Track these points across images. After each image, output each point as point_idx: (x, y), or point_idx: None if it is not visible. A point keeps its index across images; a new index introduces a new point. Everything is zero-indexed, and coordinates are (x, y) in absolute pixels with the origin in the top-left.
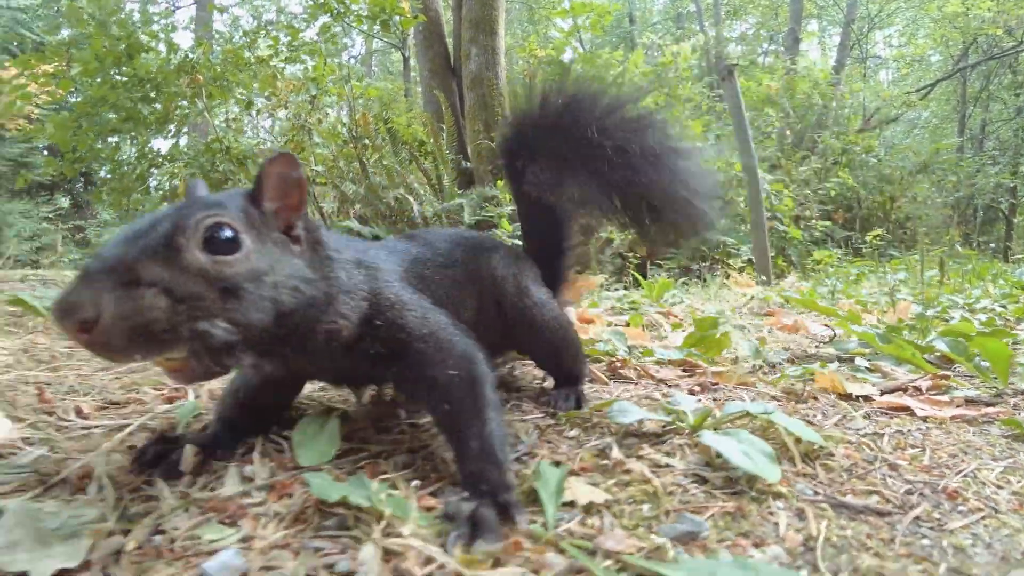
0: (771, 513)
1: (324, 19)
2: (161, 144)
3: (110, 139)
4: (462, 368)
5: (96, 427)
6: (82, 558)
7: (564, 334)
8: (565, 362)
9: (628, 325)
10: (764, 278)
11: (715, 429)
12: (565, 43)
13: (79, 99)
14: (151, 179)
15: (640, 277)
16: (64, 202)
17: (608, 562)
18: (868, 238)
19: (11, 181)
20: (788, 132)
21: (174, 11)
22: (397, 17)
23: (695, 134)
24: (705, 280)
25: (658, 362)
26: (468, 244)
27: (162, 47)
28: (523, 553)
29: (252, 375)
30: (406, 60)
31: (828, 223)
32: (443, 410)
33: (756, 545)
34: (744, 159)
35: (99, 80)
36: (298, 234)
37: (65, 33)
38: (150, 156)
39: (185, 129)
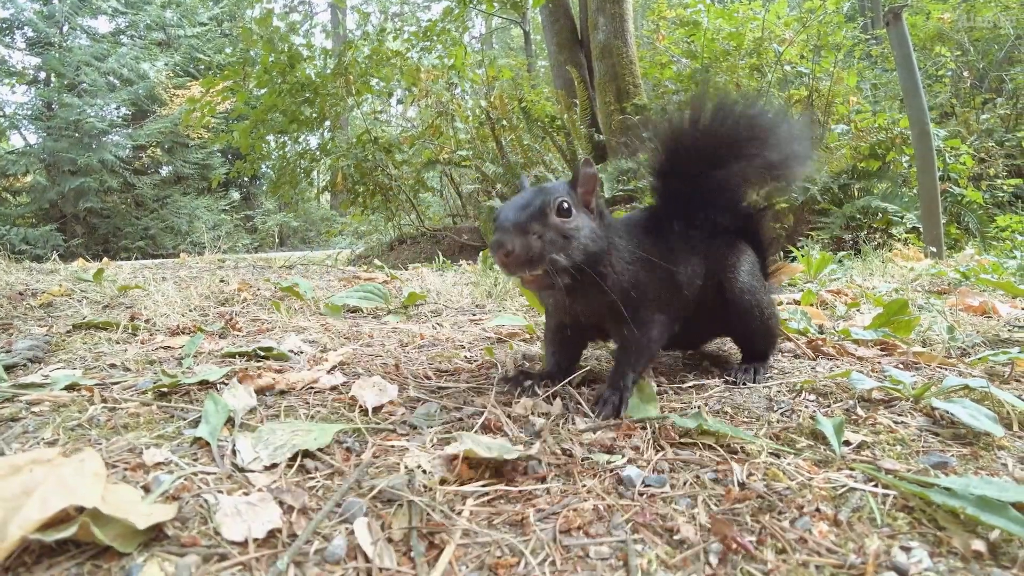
0: (998, 457)
1: (446, 3)
2: (312, 141)
3: (271, 139)
4: (643, 335)
5: (456, 388)
6: (536, 450)
7: (764, 319)
8: (758, 344)
9: (799, 303)
10: (934, 250)
11: (942, 399)
12: (696, 1)
13: (255, 107)
14: (313, 171)
15: (795, 250)
16: (236, 196)
17: (889, 477)
18: None
19: (198, 181)
20: (966, 73)
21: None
22: None
23: (848, 86)
24: (860, 252)
25: (856, 341)
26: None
27: (318, 55)
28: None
29: (555, 316)
30: (527, 35)
31: (1018, 181)
32: (619, 351)
33: (991, 475)
34: (912, 113)
35: (266, 90)
36: (593, 208)
37: (228, 50)
38: (310, 152)
39: (336, 125)
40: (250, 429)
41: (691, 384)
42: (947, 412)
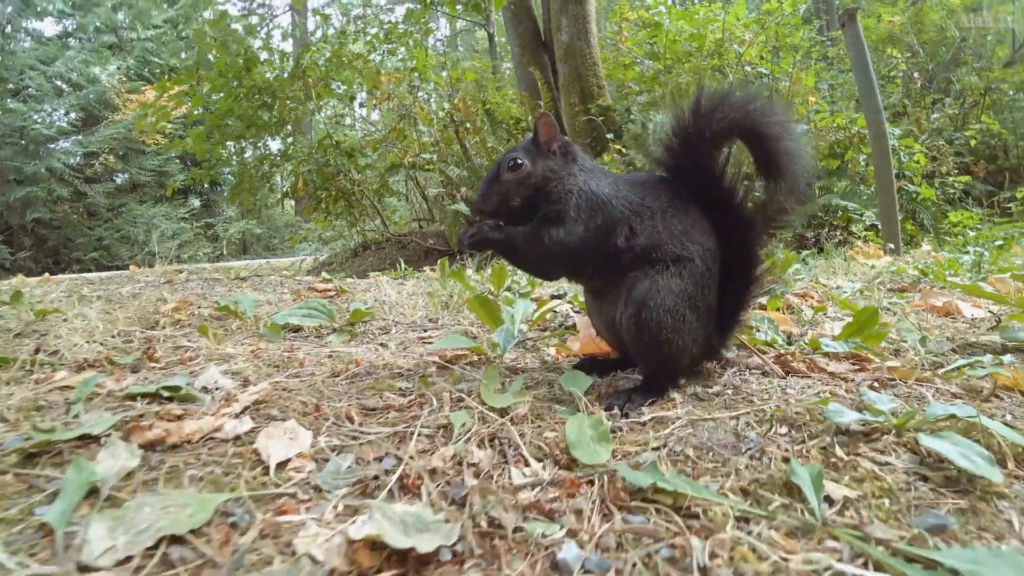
0: (1000, 511)
1: (408, 5)
2: (273, 145)
3: (231, 144)
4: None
5: (377, 434)
6: (456, 536)
7: (656, 338)
8: (644, 365)
9: (765, 308)
10: (892, 246)
11: (928, 431)
12: (657, 2)
13: (210, 113)
14: (274, 177)
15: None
16: (196, 203)
17: (880, 548)
18: (1019, 194)
19: (155, 189)
20: (916, 74)
21: (271, 19)
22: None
23: (807, 86)
24: (823, 249)
25: (826, 354)
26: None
27: (276, 57)
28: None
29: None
30: (491, 37)
31: (967, 178)
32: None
33: (997, 539)
34: (868, 113)
35: (223, 94)
36: (554, 150)
37: (184, 55)
38: (269, 157)
39: (296, 129)
40: (116, 505)
41: (649, 418)
42: (936, 451)
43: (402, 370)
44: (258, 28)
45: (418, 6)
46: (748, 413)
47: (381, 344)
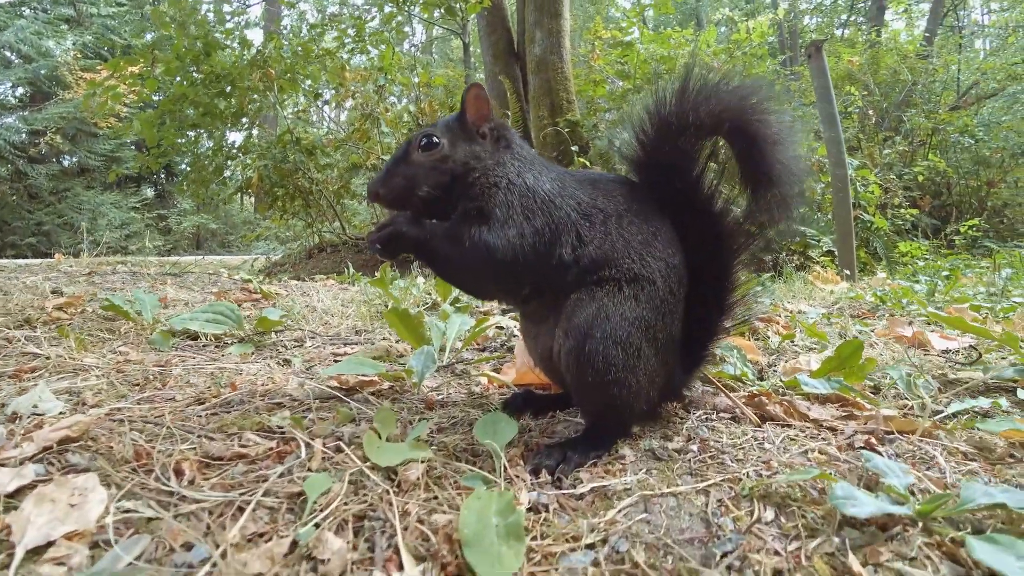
0: None
1: (388, 8)
2: (236, 137)
3: (190, 133)
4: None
5: (203, 502)
6: None
7: (603, 378)
8: (586, 408)
9: (728, 333)
10: (848, 272)
11: (969, 527)
12: (631, 23)
13: (163, 97)
14: (227, 170)
15: None
16: (149, 193)
17: None
18: (962, 228)
19: (104, 175)
20: (871, 111)
21: (246, 8)
22: (459, 4)
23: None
24: (781, 273)
25: (807, 395)
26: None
27: (236, 44)
28: None
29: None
30: (466, 47)
31: (915, 211)
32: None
33: None
34: (829, 143)
35: (179, 78)
36: (484, 132)
37: (149, 36)
38: (226, 149)
39: (257, 122)
40: None
41: (588, 488)
42: (992, 568)
43: (285, 399)
44: (227, 17)
45: (392, 6)
46: (721, 484)
47: (285, 360)
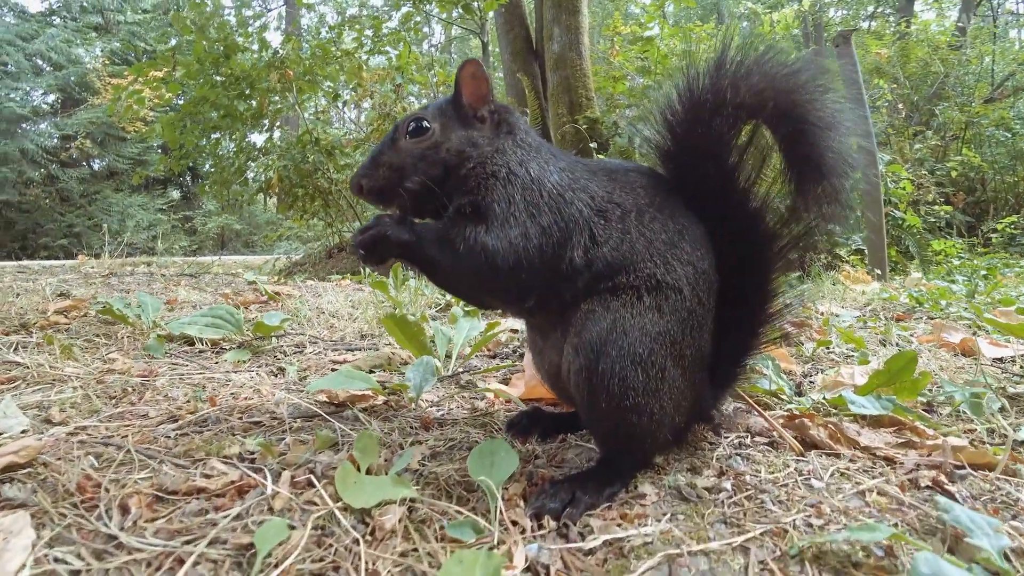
0: None
1: (406, 8)
2: (257, 138)
3: (214, 135)
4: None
5: (140, 551)
6: None
7: (619, 405)
8: (601, 440)
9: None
10: (879, 272)
11: None
12: (651, 18)
13: (185, 100)
14: (248, 171)
15: None
16: (175, 195)
17: None
18: (999, 226)
19: (132, 178)
20: (900, 105)
21: (266, 12)
22: (477, 2)
23: None
24: (808, 272)
25: (855, 417)
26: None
27: (255, 46)
28: None
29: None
30: (485, 46)
31: (949, 208)
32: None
33: None
34: (860, 138)
35: (201, 81)
36: (483, 115)
37: (173, 41)
38: (247, 150)
39: (278, 123)
40: None
41: (600, 542)
42: None
43: (265, 418)
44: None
45: (409, 6)
46: (762, 538)
47: (279, 369)
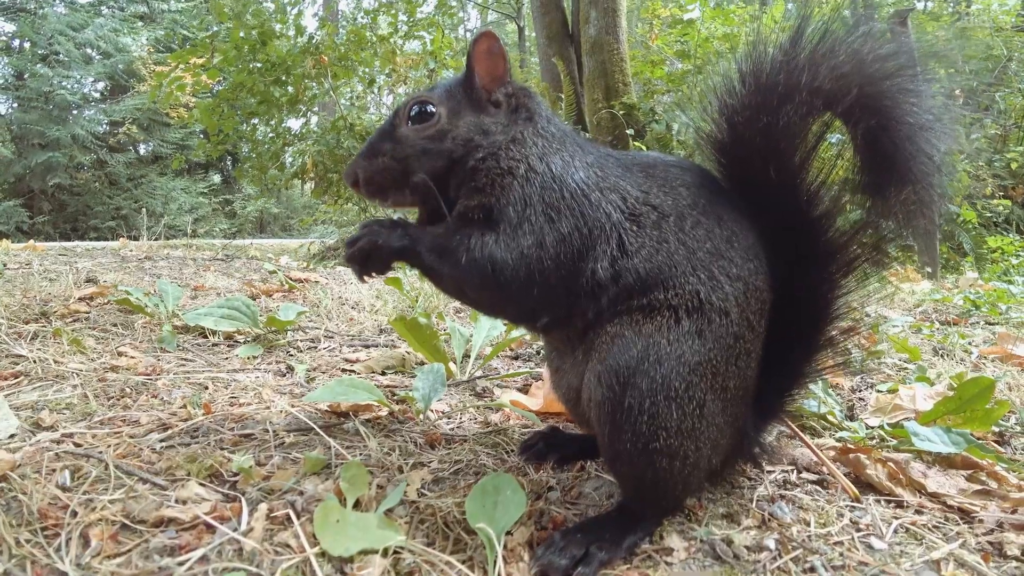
0: None
1: None
2: (294, 124)
3: (253, 120)
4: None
5: None
6: None
7: (647, 447)
8: (623, 485)
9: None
10: (930, 270)
11: None
12: (691, 0)
13: (223, 86)
14: (285, 156)
15: None
16: (216, 179)
17: None
18: None
19: (172, 162)
20: (957, 91)
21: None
22: None
23: None
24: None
25: (920, 454)
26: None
27: (291, 32)
28: None
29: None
30: (521, 31)
31: (1007, 202)
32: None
33: None
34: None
35: (238, 67)
36: (498, 99)
37: (212, 28)
38: (283, 136)
39: (315, 109)
40: None
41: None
42: None
43: (258, 430)
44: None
45: None
46: None
47: (288, 367)
